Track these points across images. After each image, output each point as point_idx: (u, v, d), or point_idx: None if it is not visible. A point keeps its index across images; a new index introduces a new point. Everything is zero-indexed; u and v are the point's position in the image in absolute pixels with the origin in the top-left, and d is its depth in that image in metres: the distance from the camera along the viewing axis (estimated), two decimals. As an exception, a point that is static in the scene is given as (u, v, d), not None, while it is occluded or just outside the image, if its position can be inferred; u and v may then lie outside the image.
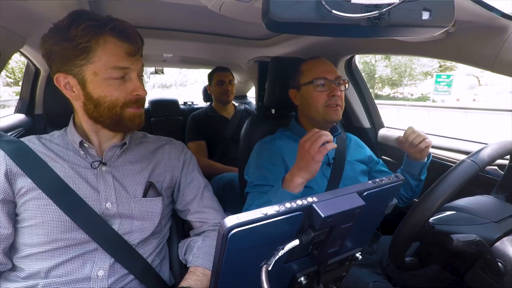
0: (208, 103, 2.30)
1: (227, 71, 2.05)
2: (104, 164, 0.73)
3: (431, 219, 0.70)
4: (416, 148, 0.94)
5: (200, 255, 0.76)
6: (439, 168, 0.99)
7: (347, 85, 1.01)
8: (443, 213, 0.75)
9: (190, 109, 2.72)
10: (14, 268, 0.67)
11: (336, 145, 0.78)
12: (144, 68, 0.76)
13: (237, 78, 2.63)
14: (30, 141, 0.72)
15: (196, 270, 0.73)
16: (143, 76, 0.76)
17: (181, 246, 0.83)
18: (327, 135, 0.77)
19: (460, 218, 0.73)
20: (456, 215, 0.74)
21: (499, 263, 0.63)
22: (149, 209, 0.75)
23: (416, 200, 0.86)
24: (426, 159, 0.99)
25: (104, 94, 0.67)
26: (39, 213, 0.65)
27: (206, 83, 2.25)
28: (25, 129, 1.62)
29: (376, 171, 1.12)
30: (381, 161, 1.16)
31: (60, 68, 0.67)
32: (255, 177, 0.96)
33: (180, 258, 0.82)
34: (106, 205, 0.70)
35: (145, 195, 0.75)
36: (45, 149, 0.71)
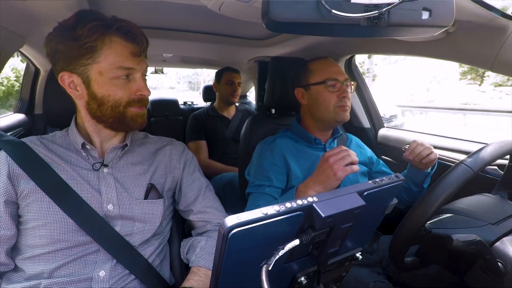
0: (208, 103, 2.30)
1: (238, 73, 2.06)
2: (106, 165, 0.73)
3: (427, 223, 0.70)
4: (425, 160, 0.92)
5: (203, 256, 0.75)
6: (439, 168, 0.99)
7: (353, 87, 1.01)
8: (440, 216, 0.75)
9: (190, 109, 2.72)
10: (16, 269, 0.67)
11: (358, 169, 0.77)
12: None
13: (237, 78, 2.63)
14: (32, 142, 0.72)
15: (198, 271, 0.73)
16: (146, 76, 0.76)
17: (183, 245, 0.83)
18: (354, 156, 0.76)
19: (457, 221, 0.72)
20: (453, 217, 0.74)
21: (499, 263, 0.63)
22: (150, 211, 0.75)
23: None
24: (430, 169, 0.98)
25: (108, 93, 0.67)
26: (41, 215, 0.65)
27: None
28: (25, 129, 1.63)
29: (377, 172, 1.12)
30: (381, 161, 1.16)
31: (64, 67, 0.67)
32: (257, 177, 0.96)
33: (182, 256, 0.82)
34: (108, 207, 0.70)
35: (146, 197, 0.75)
36: (46, 150, 0.71)
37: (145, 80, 0.74)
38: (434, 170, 0.99)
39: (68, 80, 0.68)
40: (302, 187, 0.81)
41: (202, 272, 0.73)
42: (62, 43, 0.65)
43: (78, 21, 0.65)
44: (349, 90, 0.99)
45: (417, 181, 1.00)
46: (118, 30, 0.66)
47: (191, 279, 0.70)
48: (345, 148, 0.78)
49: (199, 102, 2.97)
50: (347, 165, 0.75)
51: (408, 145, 0.97)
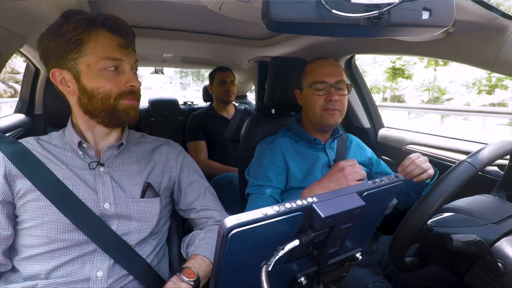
0: (208, 103, 2.30)
1: (229, 71, 2.05)
2: (102, 165, 0.73)
3: (429, 221, 0.70)
4: (416, 179, 0.90)
5: (201, 245, 0.75)
6: (439, 168, 0.98)
7: (350, 89, 0.99)
8: (441, 215, 0.75)
9: (190, 109, 2.71)
10: (14, 269, 0.67)
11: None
12: (142, 67, 0.76)
13: (237, 78, 2.63)
14: (29, 142, 0.72)
15: (195, 257, 0.72)
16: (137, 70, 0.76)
17: (184, 240, 0.82)
18: (364, 174, 0.80)
19: (458, 219, 0.72)
20: (455, 216, 0.74)
21: (499, 263, 0.63)
22: (147, 209, 0.75)
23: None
24: (430, 180, 0.95)
25: (98, 85, 0.68)
26: (38, 215, 0.65)
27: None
28: (25, 129, 1.62)
29: (377, 172, 1.12)
30: (382, 161, 1.16)
31: (55, 64, 0.68)
32: (256, 177, 0.96)
33: (182, 251, 0.81)
34: (104, 206, 0.70)
35: (143, 195, 0.75)
36: (43, 151, 0.71)
37: (135, 73, 0.74)
38: (434, 181, 0.96)
39: (60, 77, 0.69)
40: (307, 192, 0.81)
41: (198, 257, 0.72)
42: (51, 41, 0.67)
43: (65, 19, 0.66)
44: (344, 92, 0.97)
45: (416, 188, 0.98)
46: (103, 23, 0.67)
47: (188, 262, 0.70)
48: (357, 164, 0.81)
49: (199, 102, 2.97)
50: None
51: (408, 145, 0.96)
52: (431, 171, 0.90)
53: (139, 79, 0.74)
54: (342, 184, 0.76)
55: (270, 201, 0.91)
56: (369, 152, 1.14)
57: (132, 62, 0.72)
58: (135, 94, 0.73)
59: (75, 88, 0.69)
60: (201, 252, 0.73)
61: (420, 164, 0.89)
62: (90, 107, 0.69)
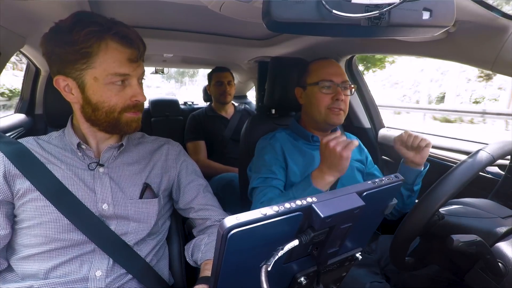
0: (208, 103, 2.30)
1: (226, 71, 2.04)
2: (101, 165, 0.73)
3: (441, 209, 0.70)
4: (416, 150, 0.92)
5: (209, 250, 0.75)
6: (439, 168, 0.99)
7: (353, 90, 1.01)
8: (451, 206, 0.75)
9: (190, 109, 2.72)
10: (11, 269, 0.67)
11: (357, 143, 0.78)
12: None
13: (237, 78, 2.63)
14: (28, 142, 0.72)
15: (210, 262, 0.72)
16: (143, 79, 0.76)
17: (186, 248, 0.83)
18: (345, 138, 0.80)
19: (468, 211, 0.73)
20: (464, 208, 0.74)
21: (500, 264, 0.63)
22: (145, 210, 0.75)
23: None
24: (423, 167, 0.97)
25: (103, 99, 0.67)
26: (37, 214, 0.66)
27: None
28: (26, 129, 1.63)
29: (368, 173, 1.12)
30: (376, 166, 1.16)
31: (60, 70, 0.67)
32: (260, 171, 0.96)
33: (187, 259, 0.82)
34: (103, 206, 0.70)
35: (141, 196, 0.75)
36: (42, 151, 0.71)
37: (141, 84, 0.73)
38: (426, 170, 0.98)
39: (63, 84, 0.68)
40: (317, 173, 0.81)
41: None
42: (58, 46, 0.64)
43: (75, 24, 0.63)
44: (348, 92, 0.99)
45: (407, 181, 0.98)
46: (115, 35, 0.65)
47: (206, 270, 0.70)
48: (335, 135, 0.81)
49: (200, 102, 2.97)
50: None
51: None
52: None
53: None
54: (337, 156, 0.76)
55: (278, 193, 0.91)
56: (365, 151, 1.15)
57: (140, 75, 0.71)
58: (139, 107, 0.72)
59: (79, 97, 0.68)
60: (211, 256, 0.74)
61: (416, 135, 0.93)
62: (93, 118, 0.69)
